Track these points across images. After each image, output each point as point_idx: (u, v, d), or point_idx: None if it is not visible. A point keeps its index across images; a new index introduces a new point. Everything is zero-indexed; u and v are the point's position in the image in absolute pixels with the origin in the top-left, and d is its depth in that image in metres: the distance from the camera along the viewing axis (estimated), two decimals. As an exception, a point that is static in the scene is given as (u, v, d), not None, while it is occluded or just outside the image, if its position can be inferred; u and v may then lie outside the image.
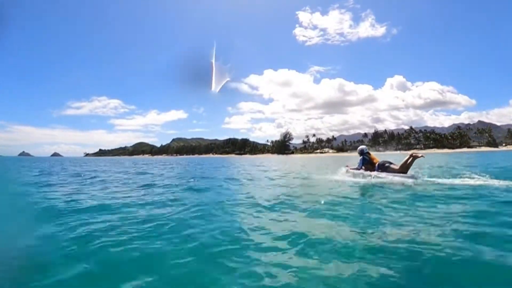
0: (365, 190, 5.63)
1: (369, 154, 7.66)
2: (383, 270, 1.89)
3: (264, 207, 4.08)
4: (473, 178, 6.45)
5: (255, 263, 2.06)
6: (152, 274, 1.90)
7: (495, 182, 5.61)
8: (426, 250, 2.16)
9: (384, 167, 7.08)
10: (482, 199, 4.15)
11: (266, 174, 11.03)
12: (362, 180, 6.88)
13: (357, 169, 7.63)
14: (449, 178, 6.67)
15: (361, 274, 1.84)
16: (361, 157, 7.63)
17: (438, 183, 5.94)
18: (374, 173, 7.04)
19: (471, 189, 5.08)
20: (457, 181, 6.16)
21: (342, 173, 8.15)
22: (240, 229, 2.93)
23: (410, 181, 6.08)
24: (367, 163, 7.47)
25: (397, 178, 6.42)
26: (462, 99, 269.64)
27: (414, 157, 6.78)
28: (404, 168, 6.75)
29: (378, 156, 8.07)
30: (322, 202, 4.19)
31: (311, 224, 3.10)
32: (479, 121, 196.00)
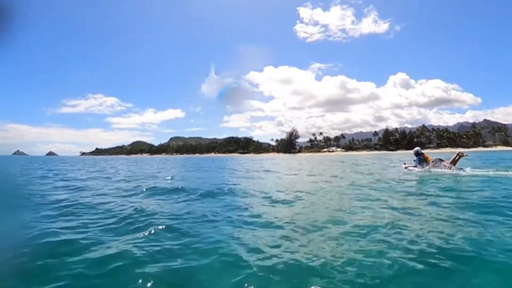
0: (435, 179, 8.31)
1: (423, 154, 10.40)
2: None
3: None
4: None
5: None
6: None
7: None
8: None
9: (437, 164, 9.84)
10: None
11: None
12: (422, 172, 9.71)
13: (414, 166, 10.38)
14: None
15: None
16: (417, 157, 10.37)
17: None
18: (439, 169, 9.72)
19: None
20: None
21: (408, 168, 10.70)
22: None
23: (461, 173, 8.85)
24: (422, 162, 10.21)
25: (447, 170, 9.20)
26: (467, 97, 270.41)
27: (461, 156, 9.61)
28: (453, 164, 9.53)
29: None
30: None
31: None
32: (485, 120, 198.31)
